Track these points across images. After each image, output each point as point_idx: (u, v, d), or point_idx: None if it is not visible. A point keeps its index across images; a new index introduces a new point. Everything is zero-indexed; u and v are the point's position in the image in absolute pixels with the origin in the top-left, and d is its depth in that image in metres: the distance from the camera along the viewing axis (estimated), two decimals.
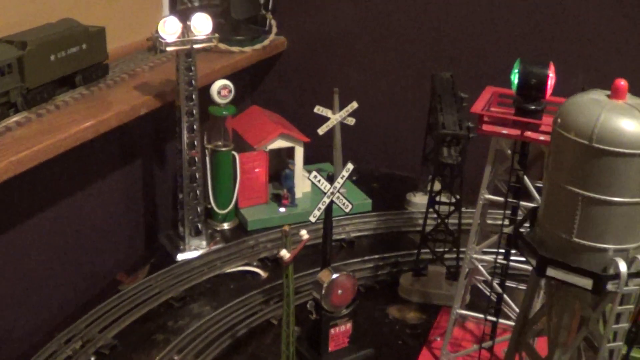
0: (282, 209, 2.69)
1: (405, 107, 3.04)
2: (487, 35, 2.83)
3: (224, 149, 2.58)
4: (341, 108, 2.63)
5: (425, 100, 2.56)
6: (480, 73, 2.81)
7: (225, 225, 2.65)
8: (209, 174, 2.57)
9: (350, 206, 1.96)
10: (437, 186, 2.20)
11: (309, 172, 2.72)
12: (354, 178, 2.90)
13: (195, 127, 2.36)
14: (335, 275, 1.91)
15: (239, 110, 2.70)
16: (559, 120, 1.27)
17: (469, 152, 2.12)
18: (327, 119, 2.64)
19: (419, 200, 2.77)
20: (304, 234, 1.87)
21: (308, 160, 2.84)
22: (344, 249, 2.54)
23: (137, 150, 2.59)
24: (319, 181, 1.92)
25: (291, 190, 2.72)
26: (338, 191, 1.95)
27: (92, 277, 2.40)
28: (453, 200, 2.18)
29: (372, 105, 3.01)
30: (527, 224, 1.40)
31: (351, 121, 2.66)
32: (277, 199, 2.74)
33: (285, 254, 1.77)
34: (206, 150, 2.56)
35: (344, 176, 1.95)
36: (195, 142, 2.38)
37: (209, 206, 2.60)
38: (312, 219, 1.93)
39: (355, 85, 3.03)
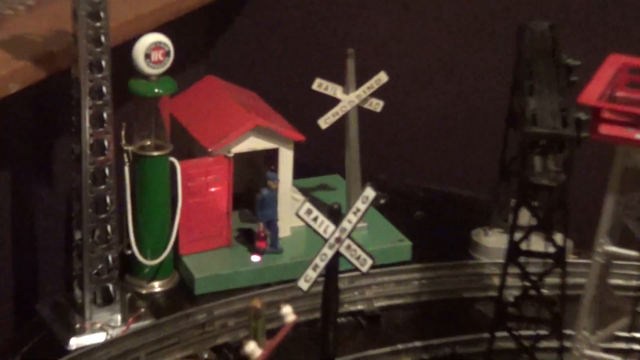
0: (255, 258, 2.67)
1: (468, 82, 3.05)
2: None
3: (155, 152, 2.56)
4: (360, 83, 2.66)
5: (506, 70, 2.58)
6: (601, 26, 2.83)
7: (157, 287, 2.62)
8: (128, 196, 2.55)
9: (369, 262, 1.97)
10: (525, 218, 2.10)
11: (303, 192, 2.63)
12: (382, 202, 2.94)
13: (105, 115, 2.34)
14: None
15: (183, 85, 2.67)
16: None
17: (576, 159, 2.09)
18: (336, 101, 2.68)
19: (494, 242, 2.77)
20: (289, 313, 1.93)
21: (303, 172, 2.84)
22: (362, 330, 2.53)
23: (4, 155, 2.58)
24: (314, 219, 1.86)
25: (272, 224, 2.69)
26: (349, 236, 1.91)
27: None
28: (551, 249, 2.10)
29: (412, 78, 3.01)
30: None
31: (377, 106, 2.70)
32: (248, 240, 2.73)
33: (254, 349, 1.81)
34: (125, 156, 2.54)
35: (358, 210, 1.90)
36: (106, 142, 2.36)
37: (128, 252, 2.57)
38: (304, 286, 1.91)
39: (382, 42, 3.09)
